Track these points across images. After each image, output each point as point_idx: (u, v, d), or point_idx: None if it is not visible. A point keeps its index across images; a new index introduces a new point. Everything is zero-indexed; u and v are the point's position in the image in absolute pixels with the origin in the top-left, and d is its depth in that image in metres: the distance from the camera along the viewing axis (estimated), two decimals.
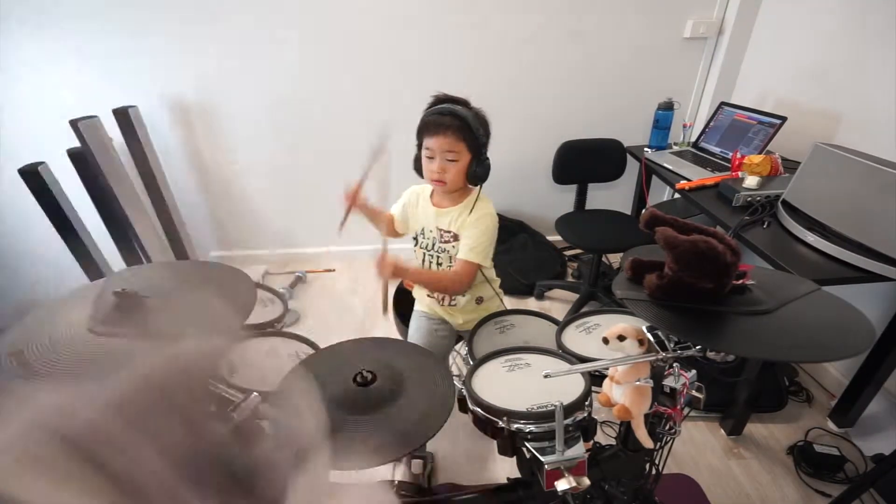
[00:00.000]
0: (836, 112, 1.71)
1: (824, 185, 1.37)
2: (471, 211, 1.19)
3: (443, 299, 1.31)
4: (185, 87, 2.16)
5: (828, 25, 1.76)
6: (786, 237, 1.39)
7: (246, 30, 2.07)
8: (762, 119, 1.86)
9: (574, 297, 2.26)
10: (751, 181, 1.58)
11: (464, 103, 1.15)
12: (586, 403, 0.82)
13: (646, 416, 0.83)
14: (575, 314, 1.06)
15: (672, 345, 0.77)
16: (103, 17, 1.98)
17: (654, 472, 0.94)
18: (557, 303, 2.33)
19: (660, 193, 2.64)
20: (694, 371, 0.80)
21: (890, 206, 1.19)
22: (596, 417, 0.83)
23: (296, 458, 0.41)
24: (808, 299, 0.78)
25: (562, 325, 1.03)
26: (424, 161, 1.16)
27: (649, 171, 2.08)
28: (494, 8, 2.11)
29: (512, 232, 2.57)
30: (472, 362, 0.98)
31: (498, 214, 1.23)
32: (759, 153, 1.74)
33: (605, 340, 0.80)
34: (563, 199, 2.47)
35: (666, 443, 0.88)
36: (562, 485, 0.72)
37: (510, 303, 1.40)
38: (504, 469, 1.49)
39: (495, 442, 0.81)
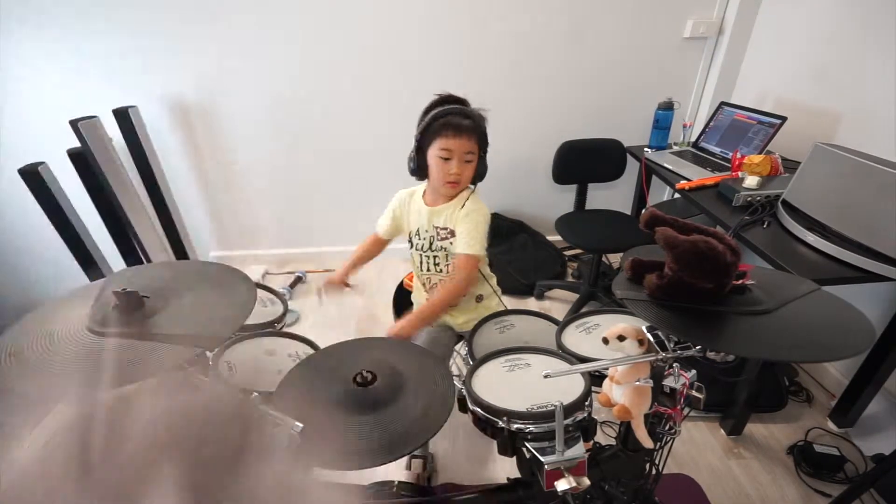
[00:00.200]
0: (836, 112, 1.71)
1: (824, 185, 1.37)
2: (462, 206, 1.20)
3: None
4: (185, 87, 2.17)
5: (828, 25, 1.76)
6: (786, 237, 1.39)
7: (246, 30, 2.07)
8: (762, 119, 1.86)
9: (574, 297, 2.26)
10: (751, 181, 1.58)
11: (466, 102, 1.17)
12: (586, 403, 0.82)
13: (646, 416, 0.83)
14: (575, 314, 1.06)
15: (672, 345, 0.77)
16: (103, 17, 1.98)
17: (654, 472, 0.94)
18: (557, 303, 2.33)
19: (660, 193, 2.64)
20: (694, 371, 0.80)
21: (890, 206, 1.19)
22: (596, 417, 0.83)
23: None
24: (808, 299, 0.78)
25: (562, 325, 1.03)
26: (438, 162, 1.14)
27: (649, 171, 2.08)
28: (494, 8, 2.11)
29: (512, 232, 2.56)
30: (472, 362, 0.98)
31: (498, 214, 1.24)
32: (759, 153, 1.74)
33: (605, 340, 0.80)
34: (563, 199, 2.48)
35: (666, 443, 0.88)
36: (562, 485, 0.72)
37: (510, 303, 1.40)
38: (504, 469, 1.49)
39: (495, 442, 0.81)
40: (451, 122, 1.11)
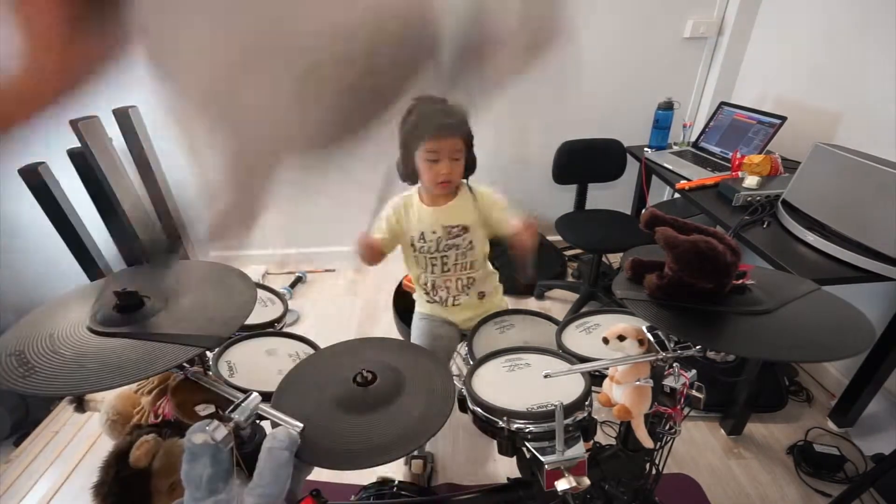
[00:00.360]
0: (836, 112, 1.71)
1: (824, 185, 1.37)
2: (474, 200, 1.21)
3: (446, 300, 1.30)
4: (186, 85, 2.16)
5: (828, 25, 1.76)
6: (786, 237, 1.39)
7: (246, 30, 2.07)
8: (762, 119, 1.86)
9: (574, 297, 2.26)
10: (751, 181, 1.58)
11: (442, 100, 1.16)
12: (586, 403, 0.82)
13: (646, 416, 0.83)
14: (575, 314, 1.06)
15: (672, 345, 0.77)
16: None
17: (654, 472, 0.94)
18: (557, 303, 2.33)
19: (660, 193, 2.64)
20: (694, 371, 0.80)
21: (890, 206, 1.19)
22: (596, 417, 0.83)
23: None
24: (808, 299, 0.78)
25: (562, 325, 1.03)
26: (426, 165, 1.13)
27: (649, 171, 2.08)
28: None
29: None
30: (472, 362, 0.98)
31: (494, 231, 1.24)
32: (759, 153, 1.74)
33: (605, 340, 0.80)
34: (563, 199, 2.47)
35: (666, 443, 0.88)
36: (562, 485, 0.72)
37: (510, 303, 1.40)
38: (504, 469, 1.49)
39: (495, 442, 0.81)
40: (435, 123, 1.10)
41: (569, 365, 0.88)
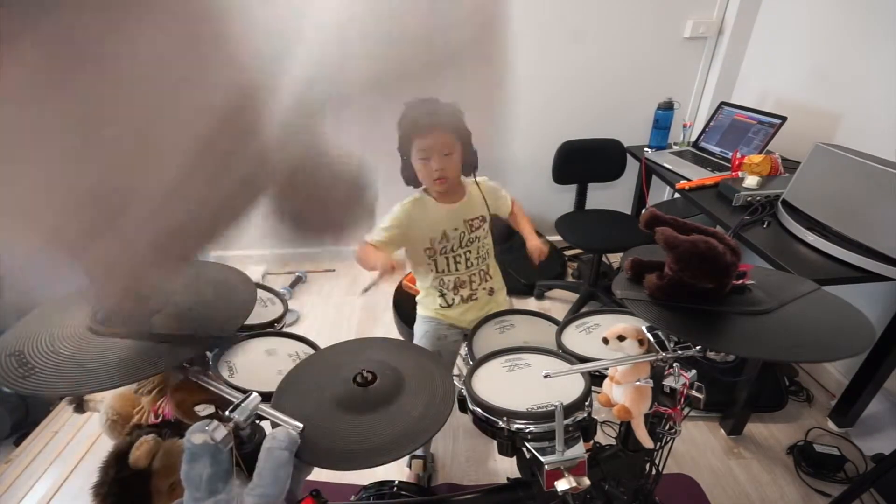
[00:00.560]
0: (836, 112, 1.71)
1: (824, 185, 1.37)
2: (480, 191, 1.26)
3: (467, 298, 1.30)
4: None
5: (828, 25, 1.76)
6: (786, 237, 1.39)
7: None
8: (762, 119, 1.86)
9: (574, 297, 2.26)
10: (751, 181, 1.58)
11: (434, 101, 1.15)
12: (586, 403, 0.82)
13: (646, 416, 0.83)
14: (575, 314, 1.06)
15: (672, 345, 0.77)
16: None
17: (654, 472, 0.94)
18: (557, 303, 2.33)
19: (660, 193, 2.64)
20: (694, 371, 0.80)
21: (890, 206, 1.19)
22: (596, 417, 0.83)
23: None
24: (808, 299, 0.78)
25: (562, 325, 1.03)
26: (420, 164, 1.15)
27: (649, 171, 2.08)
28: None
29: (512, 232, 2.56)
30: (472, 362, 0.98)
31: (497, 215, 1.26)
32: (759, 153, 1.74)
33: (605, 340, 0.80)
34: (563, 199, 2.47)
35: (666, 443, 0.88)
36: (562, 485, 0.72)
37: (509, 303, 1.40)
38: (504, 469, 1.49)
39: (495, 442, 0.81)
40: (420, 122, 1.11)
41: (569, 365, 0.88)
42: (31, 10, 0.25)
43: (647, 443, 0.84)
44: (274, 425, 0.70)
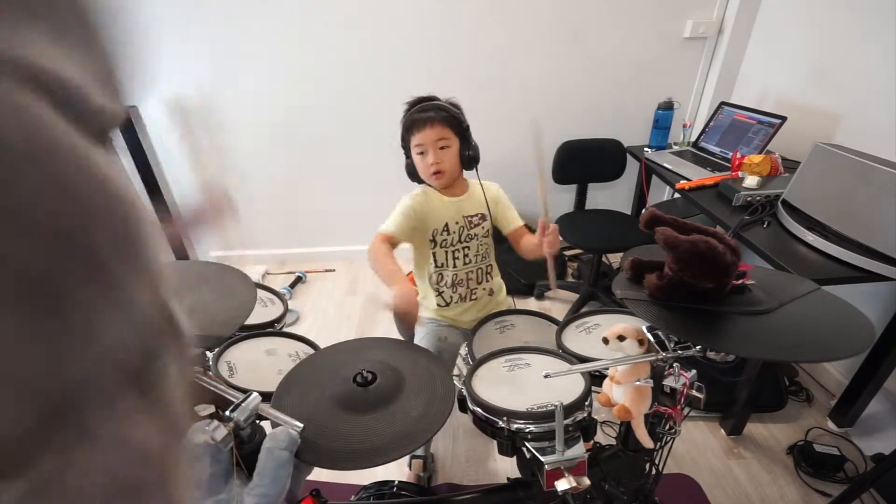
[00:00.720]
0: (836, 112, 1.71)
1: (824, 184, 1.37)
2: (483, 191, 1.25)
3: (465, 296, 1.30)
4: (185, 87, 2.17)
5: (828, 25, 1.76)
6: (786, 237, 1.39)
7: (247, 30, 2.07)
8: (762, 119, 1.86)
9: (574, 297, 2.26)
10: (751, 181, 1.58)
11: (434, 98, 1.18)
12: (586, 403, 0.82)
13: (646, 416, 0.83)
14: (575, 314, 1.06)
15: (672, 345, 0.77)
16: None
17: (654, 472, 0.94)
18: (557, 303, 2.33)
19: (660, 193, 2.64)
20: (694, 371, 0.80)
21: (890, 206, 1.19)
22: (596, 417, 0.83)
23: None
24: (807, 299, 0.78)
25: (562, 325, 1.03)
26: (417, 159, 1.18)
27: (649, 171, 2.08)
28: (494, 9, 2.11)
29: None
30: (472, 362, 0.98)
31: (497, 226, 1.27)
32: (759, 153, 1.74)
33: (605, 340, 0.80)
34: (563, 199, 2.47)
35: (666, 443, 0.88)
36: (562, 485, 0.72)
37: (509, 303, 1.40)
38: (504, 469, 1.49)
39: (495, 442, 0.81)
40: (415, 118, 1.15)
41: (569, 365, 0.88)
42: None
43: (647, 443, 0.84)
44: (274, 425, 0.70)
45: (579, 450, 0.75)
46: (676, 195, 1.85)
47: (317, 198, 2.51)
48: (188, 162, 2.36)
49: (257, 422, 0.73)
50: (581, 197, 2.33)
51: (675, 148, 2.16)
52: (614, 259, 2.50)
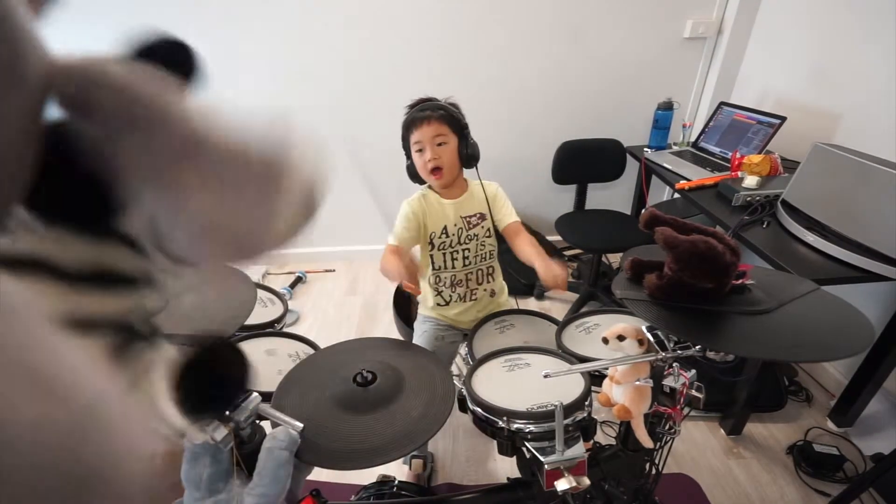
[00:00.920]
0: (836, 112, 1.71)
1: (824, 185, 1.37)
2: (483, 190, 1.25)
3: (464, 296, 1.30)
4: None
5: (828, 25, 1.76)
6: (785, 237, 1.39)
7: (246, 30, 2.07)
8: (762, 119, 1.86)
9: (574, 297, 2.26)
10: (750, 181, 1.58)
11: (434, 100, 1.19)
12: (586, 403, 0.82)
13: (646, 415, 0.83)
14: (575, 314, 1.06)
15: (672, 345, 0.77)
16: (104, 17, 1.98)
17: (654, 471, 0.94)
18: (557, 303, 2.33)
19: (659, 193, 2.64)
20: (694, 371, 0.80)
21: (890, 206, 1.19)
22: (596, 417, 0.83)
23: None
24: (807, 299, 0.78)
25: (562, 325, 1.03)
26: (416, 157, 1.18)
27: (649, 171, 2.08)
28: (494, 9, 2.11)
29: None
30: (472, 362, 0.98)
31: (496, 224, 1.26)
32: (759, 153, 1.74)
33: (605, 340, 0.80)
34: (562, 199, 2.47)
35: (666, 443, 0.88)
36: (562, 485, 0.72)
37: (509, 303, 1.40)
38: (504, 469, 1.49)
39: (495, 442, 0.81)
40: (413, 117, 1.16)
41: (569, 365, 0.88)
42: None
43: (647, 442, 0.84)
44: (274, 425, 0.70)
45: (579, 450, 0.75)
46: (676, 195, 1.85)
47: None
48: None
49: (257, 422, 0.73)
50: (581, 197, 2.33)
51: (675, 148, 2.17)
52: (614, 259, 2.50)
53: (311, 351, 1.02)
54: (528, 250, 1.19)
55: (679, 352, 0.76)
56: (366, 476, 1.26)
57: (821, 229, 1.33)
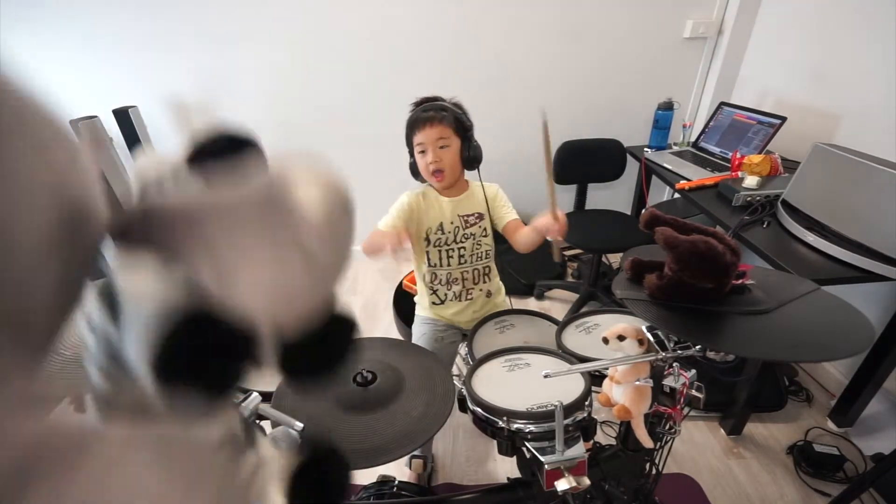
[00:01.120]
0: (836, 112, 1.71)
1: (824, 185, 1.37)
2: (483, 192, 1.26)
3: (460, 294, 1.30)
4: (185, 86, 2.17)
5: (828, 25, 1.76)
6: (785, 237, 1.39)
7: (246, 29, 2.07)
8: (762, 119, 1.86)
9: (574, 297, 2.26)
10: (750, 181, 1.58)
11: (439, 99, 1.20)
12: (586, 403, 0.82)
13: (646, 415, 0.83)
14: (575, 314, 1.06)
15: (672, 345, 0.77)
16: (104, 17, 1.98)
17: (654, 472, 0.94)
18: (557, 303, 2.33)
19: (660, 193, 2.64)
20: (694, 371, 0.80)
21: (890, 206, 1.19)
22: (596, 417, 0.83)
23: None
24: (807, 299, 0.78)
25: (562, 325, 1.03)
26: (418, 158, 1.19)
27: (649, 171, 2.08)
28: (494, 9, 2.11)
29: None
30: (472, 362, 0.98)
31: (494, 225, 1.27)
32: (759, 153, 1.74)
33: (605, 340, 0.80)
34: (562, 199, 2.46)
35: (666, 443, 0.88)
36: (562, 485, 0.72)
37: (510, 303, 1.40)
38: (504, 469, 1.49)
39: (495, 442, 0.81)
40: (417, 118, 1.16)
41: (569, 365, 0.88)
42: None
43: (647, 443, 0.84)
44: (274, 425, 0.70)
45: (579, 450, 0.75)
46: (676, 195, 1.85)
47: None
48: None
49: (257, 422, 0.73)
50: (581, 197, 2.33)
51: (675, 148, 2.17)
52: (614, 259, 2.50)
53: None
54: (524, 232, 1.19)
55: (679, 352, 0.76)
56: (366, 476, 1.27)
57: (821, 229, 1.33)
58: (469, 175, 1.27)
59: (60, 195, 0.22)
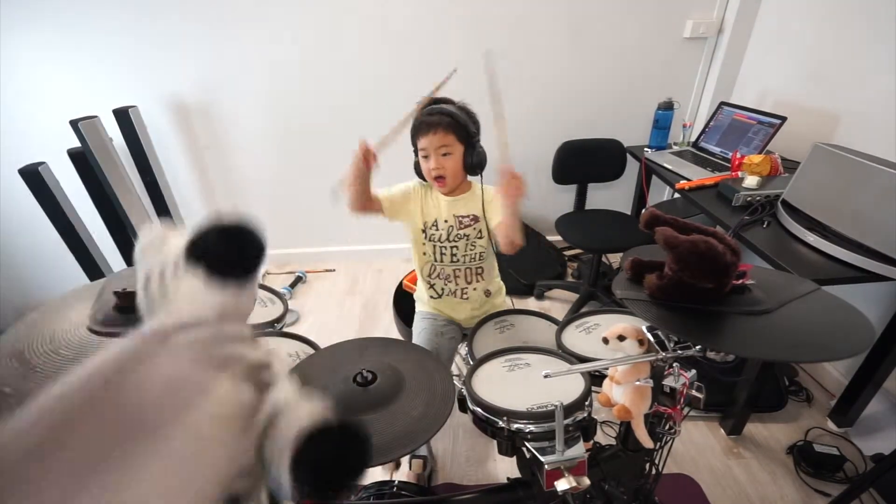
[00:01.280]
0: (836, 112, 1.71)
1: (824, 185, 1.37)
2: (482, 195, 1.24)
3: (455, 292, 1.30)
4: (185, 86, 2.17)
5: (828, 25, 1.76)
6: (785, 237, 1.39)
7: (246, 29, 2.07)
8: (762, 119, 1.86)
9: (574, 297, 2.26)
10: (750, 181, 1.58)
11: (448, 101, 1.19)
12: (586, 403, 0.82)
13: (646, 416, 0.83)
14: (575, 314, 1.06)
15: (672, 345, 0.77)
16: (104, 17, 1.98)
17: (654, 472, 0.94)
18: (557, 303, 2.33)
19: (660, 193, 2.64)
20: (694, 371, 0.80)
21: (890, 206, 1.19)
22: (596, 417, 0.83)
23: None
24: (807, 299, 0.78)
25: (562, 325, 1.03)
26: (422, 161, 1.19)
27: (649, 171, 2.08)
28: (494, 9, 2.11)
29: None
30: (472, 362, 0.98)
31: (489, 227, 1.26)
32: (759, 153, 1.74)
33: (605, 340, 0.80)
34: (563, 199, 2.48)
35: (666, 443, 0.88)
36: (562, 485, 0.72)
37: (510, 303, 1.40)
38: (504, 469, 1.49)
39: (495, 442, 0.81)
40: (423, 122, 1.15)
41: (569, 365, 0.88)
42: None
43: (647, 443, 0.84)
44: None
45: (579, 450, 0.75)
46: (676, 195, 1.85)
47: (317, 198, 2.51)
48: (188, 162, 2.36)
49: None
50: (581, 197, 2.33)
51: (675, 148, 2.17)
52: (614, 259, 2.50)
53: (311, 351, 1.02)
54: (499, 224, 1.14)
55: (679, 352, 0.76)
56: (365, 476, 1.26)
57: (821, 229, 1.33)
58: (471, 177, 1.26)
59: None
